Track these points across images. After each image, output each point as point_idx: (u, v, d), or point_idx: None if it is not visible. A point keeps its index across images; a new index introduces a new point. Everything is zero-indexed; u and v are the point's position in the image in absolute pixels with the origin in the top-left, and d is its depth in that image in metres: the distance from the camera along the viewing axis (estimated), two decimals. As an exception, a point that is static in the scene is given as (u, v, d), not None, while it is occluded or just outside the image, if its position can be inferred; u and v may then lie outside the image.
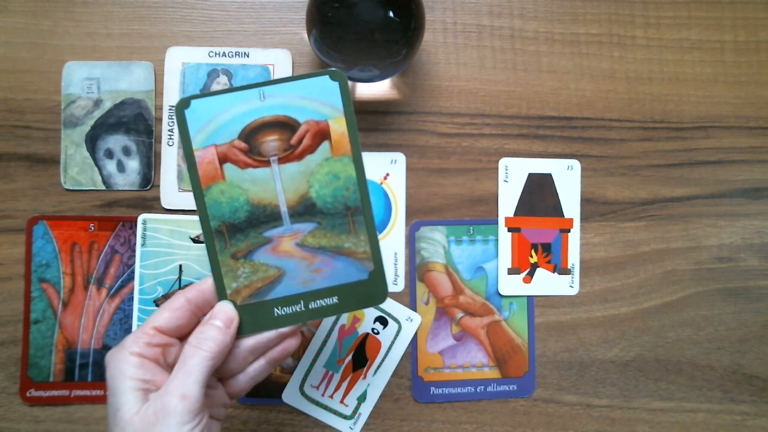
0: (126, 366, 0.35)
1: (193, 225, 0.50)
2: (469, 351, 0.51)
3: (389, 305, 0.50)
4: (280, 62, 0.51)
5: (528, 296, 0.52)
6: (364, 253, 0.38)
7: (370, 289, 0.38)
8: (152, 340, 0.36)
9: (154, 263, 0.50)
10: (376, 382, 0.50)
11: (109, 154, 0.50)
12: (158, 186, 0.50)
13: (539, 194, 0.52)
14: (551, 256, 0.52)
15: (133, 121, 0.50)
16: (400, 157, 0.51)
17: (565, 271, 0.52)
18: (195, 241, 0.50)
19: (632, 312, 0.53)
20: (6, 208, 0.50)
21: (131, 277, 0.50)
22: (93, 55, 0.51)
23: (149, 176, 0.50)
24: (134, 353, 0.35)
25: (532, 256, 0.52)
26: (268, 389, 0.50)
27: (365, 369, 0.50)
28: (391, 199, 0.51)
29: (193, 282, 0.50)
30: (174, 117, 0.37)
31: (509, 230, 0.52)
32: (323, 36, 0.43)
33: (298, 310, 0.38)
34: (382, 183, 0.51)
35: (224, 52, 0.51)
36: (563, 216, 0.52)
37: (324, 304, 0.38)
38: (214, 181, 0.37)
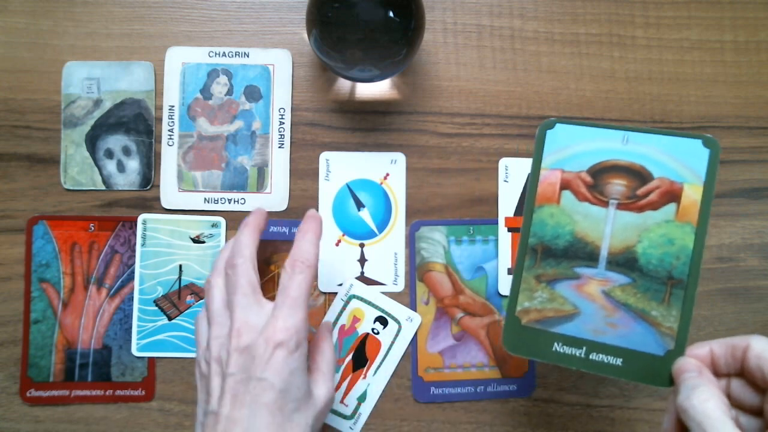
0: None
1: (193, 225, 0.50)
2: (469, 351, 0.51)
3: (389, 305, 0.50)
4: (280, 62, 0.51)
5: (528, 296, 0.52)
6: (669, 329, 0.36)
7: (660, 368, 0.36)
8: None
9: (154, 263, 0.50)
10: (376, 382, 0.50)
11: (109, 154, 0.50)
12: (158, 186, 0.50)
13: (540, 194, 0.52)
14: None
15: (133, 121, 0.50)
16: (400, 157, 0.51)
17: (566, 271, 0.52)
18: (195, 240, 0.50)
19: (632, 312, 0.52)
20: (6, 208, 0.50)
21: (131, 277, 0.50)
22: (93, 55, 0.51)
23: (149, 176, 0.50)
24: None
25: (532, 256, 0.52)
26: (268, 389, 0.50)
27: (365, 369, 0.50)
28: (391, 199, 0.51)
29: (194, 282, 0.50)
30: (537, 135, 0.38)
31: (509, 230, 0.52)
32: (323, 36, 0.43)
33: (578, 355, 0.37)
34: (382, 183, 0.51)
35: (224, 52, 0.51)
36: (564, 216, 0.52)
37: (605, 361, 0.37)
38: (548, 203, 0.38)
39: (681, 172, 0.36)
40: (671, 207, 0.36)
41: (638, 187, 0.37)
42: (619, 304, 0.37)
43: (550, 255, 0.38)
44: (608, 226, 0.37)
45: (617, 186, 0.37)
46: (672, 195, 0.36)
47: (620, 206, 0.37)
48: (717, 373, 0.35)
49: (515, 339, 0.38)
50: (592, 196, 0.37)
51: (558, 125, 0.38)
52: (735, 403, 0.34)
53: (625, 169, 0.37)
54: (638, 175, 0.37)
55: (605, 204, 0.37)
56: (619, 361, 0.36)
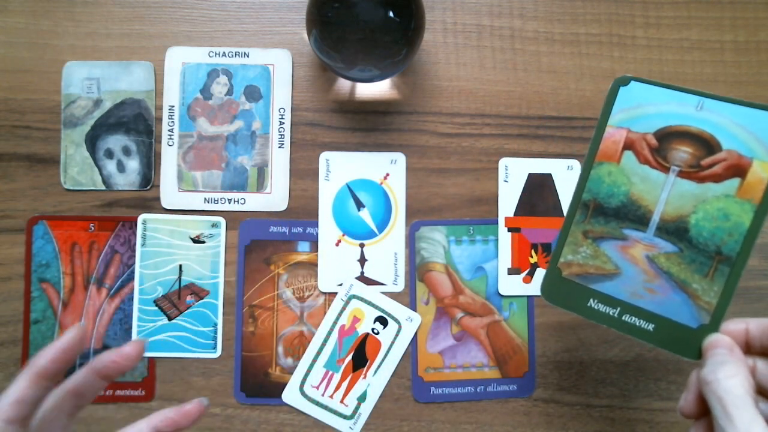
0: None
1: (192, 225, 0.50)
2: (469, 351, 0.51)
3: (389, 305, 0.50)
4: (280, 62, 0.51)
5: (528, 296, 0.52)
6: (708, 303, 0.35)
7: (690, 341, 0.35)
8: None
9: (154, 263, 0.50)
10: (376, 382, 0.50)
11: (109, 154, 0.50)
12: (158, 186, 0.50)
13: (539, 194, 0.52)
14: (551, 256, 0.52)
15: (133, 121, 0.50)
16: (400, 157, 0.51)
17: (565, 271, 0.52)
18: (195, 240, 0.50)
19: (632, 312, 0.52)
20: (6, 208, 0.50)
21: (131, 277, 0.50)
22: (93, 55, 0.51)
23: (149, 176, 0.50)
24: None
25: (532, 256, 0.52)
26: (268, 389, 0.50)
27: (365, 369, 0.50)
28: (391, 199, 0.51)
29: (194, 282, 0.50)
30: (609, 91, 0.38)
31: (509, 230, 0.52)
32: (323, 36, 0.43)
33: (611, 314, 0.37)
34: (382, 183, 0.51)
35: (224, 52, 0.51)
36: (563, 216, 0.52)
37: (637, 324, 0.37)
38: (608, 161, 0.38)
39: (753, 147, 0.35)
40: (734, 182, 0.35)
41: (704, 157, 0.36)
42: (661, 271, 0.36)
43: (601, 213, 0.38)
44: (665, 193, 0.36)
45: (682, 153, 0.36)
46: (738, 169, 0.35)
47: (681, 174, 0.36)
48: (748, 352, 0.35)
49: (553, 289, 0.39)
50: (653, 160, 0.37)
51: (633, 83, 0.37)
52: (758, 388, 0.34)
53: (693, 136, 0.36)
54: (706, 145, 0.36)
55: (666, 170, 0.37)
56: (650, 327, 0.37)
